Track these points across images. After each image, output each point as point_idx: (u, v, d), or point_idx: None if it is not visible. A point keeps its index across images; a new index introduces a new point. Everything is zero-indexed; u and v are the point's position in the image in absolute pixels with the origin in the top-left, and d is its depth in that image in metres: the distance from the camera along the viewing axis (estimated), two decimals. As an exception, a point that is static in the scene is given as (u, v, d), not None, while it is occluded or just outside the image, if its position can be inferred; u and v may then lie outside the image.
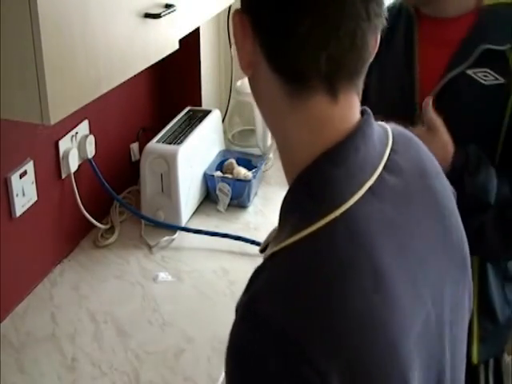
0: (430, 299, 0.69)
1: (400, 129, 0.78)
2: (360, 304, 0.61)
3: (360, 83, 0.69)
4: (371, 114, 0.71)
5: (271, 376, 0.59)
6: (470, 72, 1.21)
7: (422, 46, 1.27)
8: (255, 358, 0.59)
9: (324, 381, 0.57)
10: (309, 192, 0.66)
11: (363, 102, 0.72)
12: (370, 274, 0.62)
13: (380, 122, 0.75)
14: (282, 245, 0.64)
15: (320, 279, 0.61)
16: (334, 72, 0.65)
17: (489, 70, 1.20)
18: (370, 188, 0.66)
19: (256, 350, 0.59)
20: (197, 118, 1.84)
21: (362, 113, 0.71)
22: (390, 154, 0.70)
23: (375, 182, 0.66)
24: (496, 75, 1.20)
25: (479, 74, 1.21)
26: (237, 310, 0.64)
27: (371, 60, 0.68)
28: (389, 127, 0.75)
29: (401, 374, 0.63)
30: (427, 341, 0.68)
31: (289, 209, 0.68)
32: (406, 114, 1.24)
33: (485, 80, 1.20)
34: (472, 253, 0.81)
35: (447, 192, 0.78)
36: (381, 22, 0.66)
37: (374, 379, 0.61)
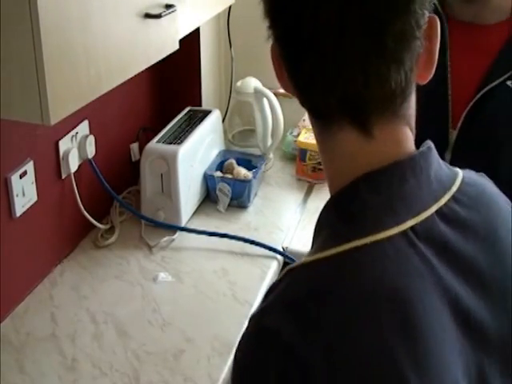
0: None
1: (478, 181, 0.69)
2: (377, 349, 0.55)
3: (406, 112, 0.62)
4: (433, 149, 0.64)
5: None
6: (509, 83, 1.14)
7: (454, 54, 1.19)
8: (257, 370, 0.58)
9: None
10: (341, 213, 0.63)
11: None
12: (395, 315, 0.56)
13: (454, 168, 0.67)
14: (303, 261, 0.61)
15: (336, 304, 0.57)
16: (354, 110, 0.60)
17: None
18: (412, 227, 0.59)
19: (259, 362, 0.58)
20: (197, 118, 1.84)
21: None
22: (448, 201, 0.62)
23: (421, 223, 0.60)
24: None
25: None
26: (249, 321, 0.62)
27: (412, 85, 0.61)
28: (462, 174, 0.66)
29: None
30: None
31: (320, 226, 0.65)
32: (439, 130, 1.18)
33: None
34: None
35: None
36: (409, 48, 0.58)
37: None
